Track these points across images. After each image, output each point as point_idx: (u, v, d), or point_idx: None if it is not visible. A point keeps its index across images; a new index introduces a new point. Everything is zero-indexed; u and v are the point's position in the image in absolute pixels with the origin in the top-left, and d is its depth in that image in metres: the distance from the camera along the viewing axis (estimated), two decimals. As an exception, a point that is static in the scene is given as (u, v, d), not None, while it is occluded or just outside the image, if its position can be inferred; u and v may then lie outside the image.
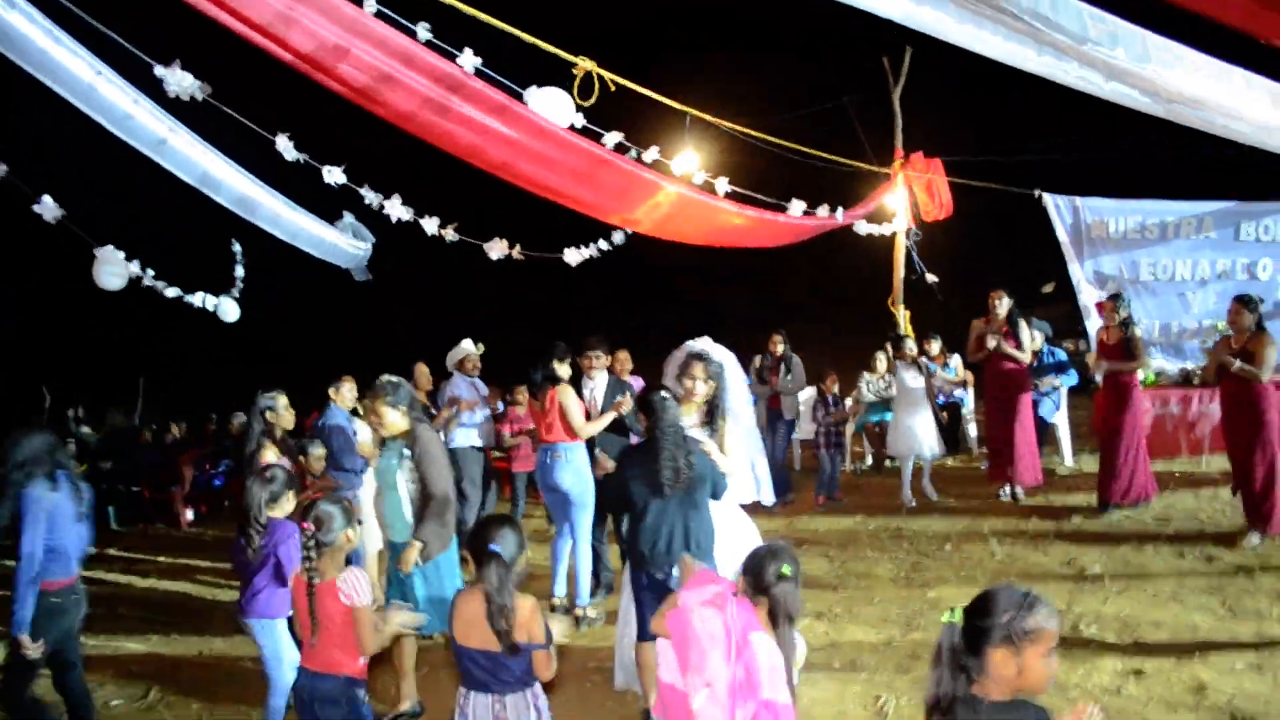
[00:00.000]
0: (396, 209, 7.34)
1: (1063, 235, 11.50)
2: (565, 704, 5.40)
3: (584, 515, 7.15)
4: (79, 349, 23.62)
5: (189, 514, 13.55)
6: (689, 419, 5.35)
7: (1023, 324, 9.35)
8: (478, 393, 9.34)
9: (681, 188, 7.64)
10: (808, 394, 11.61)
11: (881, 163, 12.93)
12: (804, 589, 7.03)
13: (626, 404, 7.00)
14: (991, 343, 9.18)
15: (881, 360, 12.20)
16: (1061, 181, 11.61)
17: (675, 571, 4.63)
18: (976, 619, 2.47)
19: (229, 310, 8.64)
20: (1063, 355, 11.05)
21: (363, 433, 7.58)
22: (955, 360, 12.76)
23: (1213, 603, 6.43)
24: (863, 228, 11.59)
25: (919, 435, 9.96)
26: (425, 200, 7.60)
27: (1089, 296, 11.23)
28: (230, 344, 21.63)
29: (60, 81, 5.05)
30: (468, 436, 9.26)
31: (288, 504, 4.80)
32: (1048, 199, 11.51)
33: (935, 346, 12.87)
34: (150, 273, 7.98)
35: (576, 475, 7.12)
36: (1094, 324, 10.94)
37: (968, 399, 12.69)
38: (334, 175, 6.50)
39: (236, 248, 10.35)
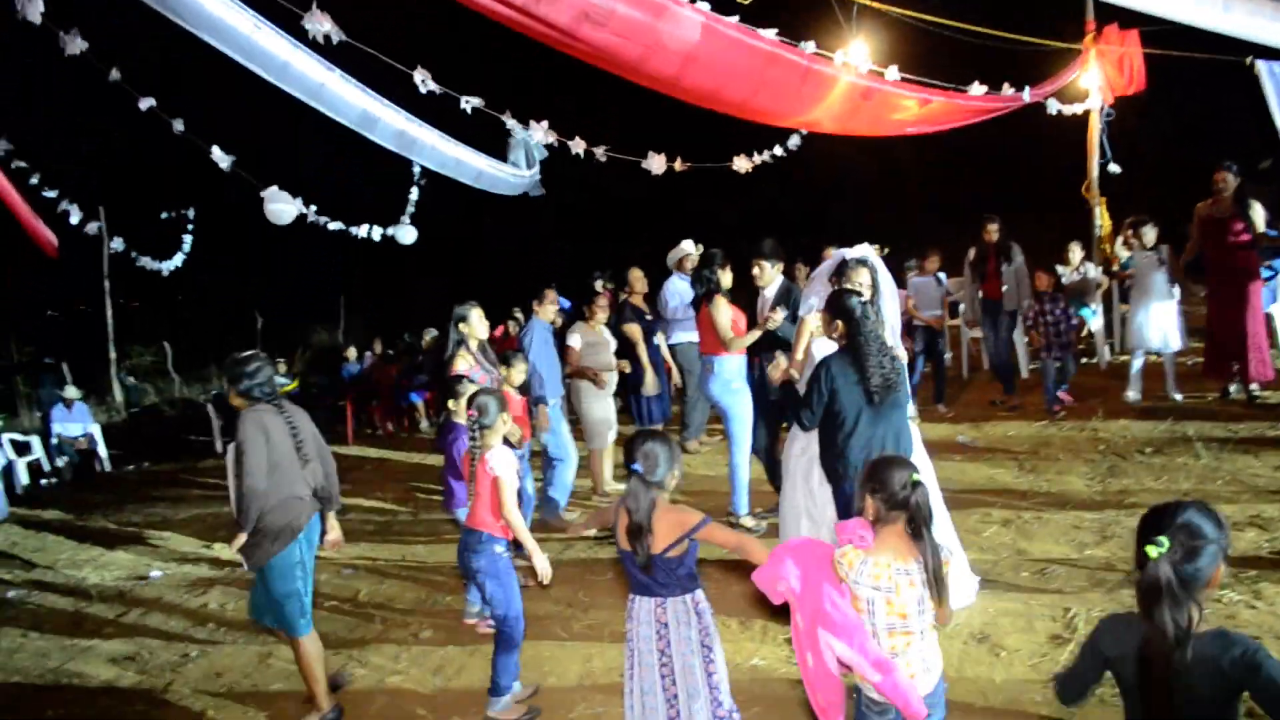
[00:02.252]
0: (540, 133, 7.34)
1: (1275, 107, 10.37)
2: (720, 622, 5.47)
3: (737, 427, 7.05)
4: (283, 277, 25.17)
5: (389, 426, 14.36)
6: None
7: (1255, 204, 8.44)
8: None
9: (855, 77, 7.31)
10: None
11: (1071, 38, 11.93)
12: (993, 496, 6.94)
13: (775, 318, 6.58)
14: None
15: (1076, 252, 11.48)
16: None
17: None
18: (1195, 541, 2.36)
19: (406, 235, 8.98)
20: None
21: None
22: (1165, 249, 11.90)
23: None
24: (1052, 106, 10.78)
25: (1157, 327, 9.17)
26: (572, 124, 7.60)
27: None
28: (418, 267, 22.52)
29: (223, 38, 5.24)
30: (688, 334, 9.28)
31: (504, 426, 4.72)
32: (1261, 65, 10.35)
33: (1150, 235, 12.03)
34: (313, 208, 8.37)
35: (724, 388, 7.02)
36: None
37: (1175, 293, 11.80)
38: (471, 103, 6.53)
39: (416, 169, 10.69)
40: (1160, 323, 9.17)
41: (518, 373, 6.75)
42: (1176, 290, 9.49)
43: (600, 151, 7.91)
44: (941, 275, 10.78)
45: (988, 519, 6.57)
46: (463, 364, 6.34)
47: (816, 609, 3.09)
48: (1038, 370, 10.26)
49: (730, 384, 7.01)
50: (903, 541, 3.05)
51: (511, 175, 8.66)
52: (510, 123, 7.39)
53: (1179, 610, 2.33)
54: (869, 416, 4.57)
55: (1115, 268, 11.16)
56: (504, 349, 7.50)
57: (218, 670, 5.64)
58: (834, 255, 5.87)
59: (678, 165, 8.45)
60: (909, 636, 3.03)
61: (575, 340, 8.14)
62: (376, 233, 9.53)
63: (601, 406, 8.19)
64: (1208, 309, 9.19)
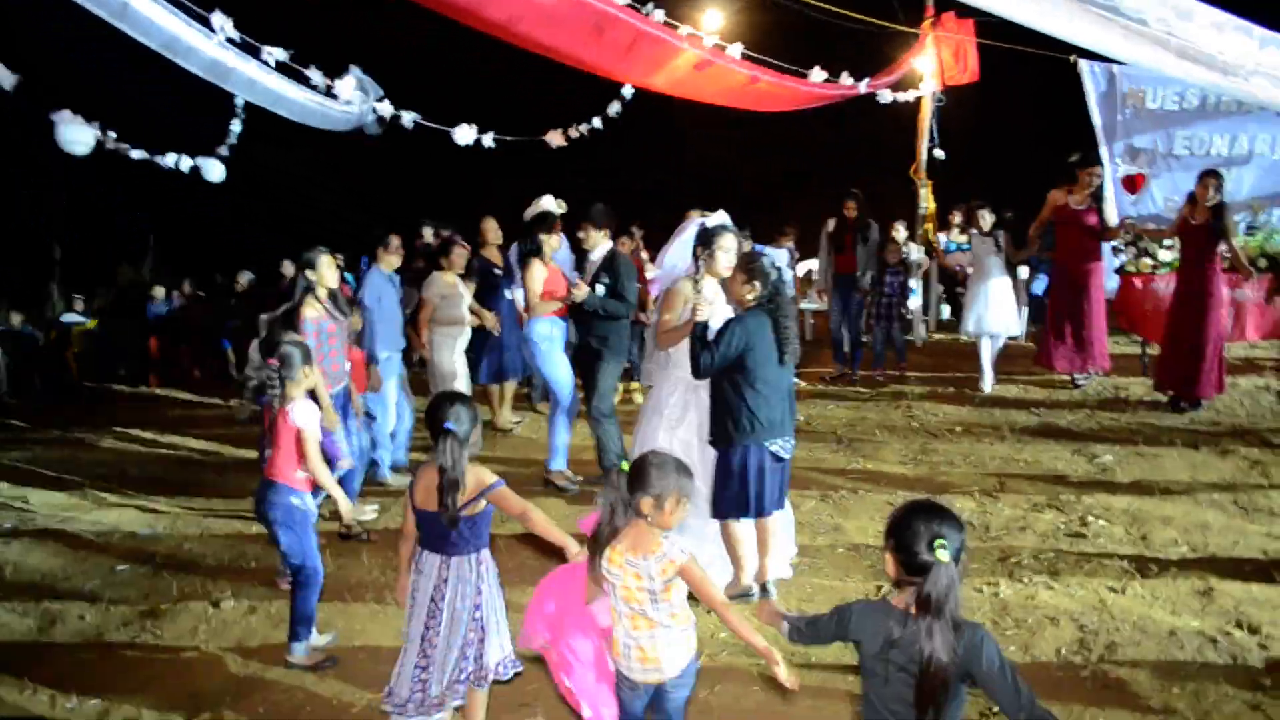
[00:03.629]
0: (347, 90, 6.83)
1: (1094, 106, 10.96)
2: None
3: (555, 388, 7.31)
4: (85, 206, 23.33)
5: (196, 371, 13.55)
6: (716, 292, 5.27)
7: (1108, 196, 8.80)
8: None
9: (700, 51, 7.22)
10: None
11: (911, 22, 12.26)
12: (810, 472, 7.08)
13: (579, 291, 6.76)
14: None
15: (900, 231, 11.87)
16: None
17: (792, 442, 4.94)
18: (960, 538, 2.56)
19: (213, 170, 8.32)
20: None
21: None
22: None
23: (1225, 500, 6.33)
24: (885, 95, 11.05)
25: (996, 312, 9.46)
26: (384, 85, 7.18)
27: (1122, 170, 10.79)
28: (235, 205, 21.28)
29: None
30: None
31: (306, 379, 4.74)
32: (1083, 65, 10.92)
33: (987, 219, 12.54)
34: (113, 135, 7.68)
35: (534, 350, 7.30)
36: (1112, 204, 10.56)
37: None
38: (274, 55, 6.03)
39: (238, 101, 9.95)
40: (999, 307, 9.47)
41: (354, 322, 6.66)
42: (1016, 273, 9.91)
43: (408, 118, 7.43)
44: (791, 247, 11.06)
45: (805, 495, 6.71)
46: (311, 311, 6.11)
47: (562, 653, 3.39)
48: (868, 344, 10.57)
49: (539, 346, 7.21)
50: (643, 535, 3.19)
51: (340, 110, 8.10)
52: (316, 77, 6.85)
53: (956, 609, 2.49)
54: (775, 375, 4.83)
55: (937, 249, 11.62)
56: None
57: (-13, 642, 5.13)
58: (693, 220, 5.85)
59: (487, 140, 8.07)
60: (650, 624, 3.18)
61: (431, 291, 8.03)
62: (186, 164, 8.79)
63: (450, 359, 8.10)
64: (1053, 297, 9.35)
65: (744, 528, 5.02)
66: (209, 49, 5.60)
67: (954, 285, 13.08)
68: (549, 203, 8.08)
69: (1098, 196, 8.79)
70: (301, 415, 4.56)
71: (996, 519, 6.19)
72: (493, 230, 8.97)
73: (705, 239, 5.25)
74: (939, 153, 12.31)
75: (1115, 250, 9.79)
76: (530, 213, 8.02)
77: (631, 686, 3.26)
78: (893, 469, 7.29)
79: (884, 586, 5.23)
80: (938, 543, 2.51)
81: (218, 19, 5.47)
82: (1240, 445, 7.37)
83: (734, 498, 4.90)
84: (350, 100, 8.10)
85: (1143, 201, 10.79)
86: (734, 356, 4.75)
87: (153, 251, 24.84)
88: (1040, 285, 10.93)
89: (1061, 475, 6.97)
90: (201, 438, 9.62)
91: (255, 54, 5.87)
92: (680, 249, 5.76)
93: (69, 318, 16.00)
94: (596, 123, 8.48)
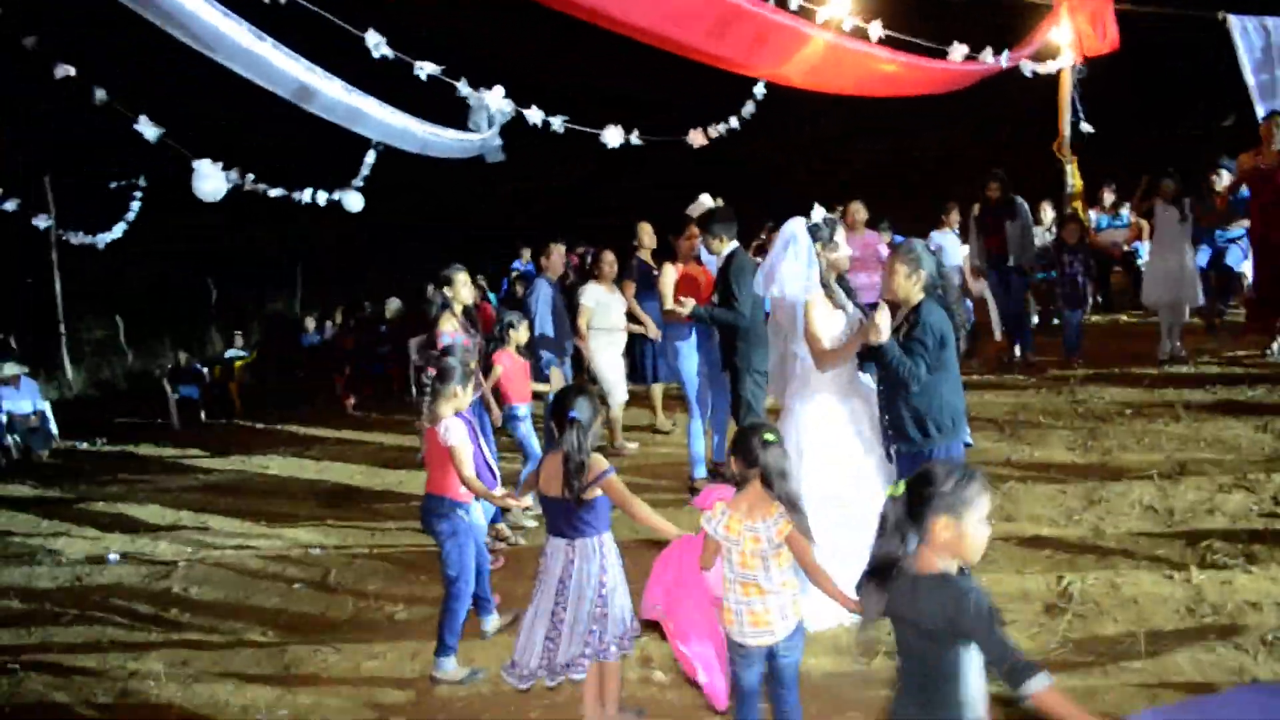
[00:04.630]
0: (497, 101, 6.99)
1: (1246, 65, 10.29)
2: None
3: (688, 391, 7.44)
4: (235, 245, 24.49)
5: (351, 400, 14.03)
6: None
7: None
8: None
9: (829, 36, 7.10)
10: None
11: (1044, -7, 11.76)
12: (975, 463, 6.82)
13: (683, 307, 6.46)
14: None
15: (1048, 211, 11.40)
16: (1251, 2, 10.34)
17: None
18: (921, 488, 2.54)
19: (353, 201, 8.61)
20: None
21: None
22: (1125, 210, 11.87)
23: None
24: (1026, 68, 10.62)
25: (1181, 281, 9.00)
26: (530, 93, 7.27)
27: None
28: (373, 234, 22.01)
29: (148, 5, 4.87)
30: None
31: (457, 399, 4.80)
32: (1233, 21, 10.29)
33: (1109, 197, 11.95)
34: (250, 177, 8.00)
35: (674, 354, 7.49)
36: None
37: (1143, 250, 11.78)
38: (426, 69, 6.20)
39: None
40: (1183, 278, 8.99)
41: (522, 333, 6.79)
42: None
43: (558, 122, 7.56)
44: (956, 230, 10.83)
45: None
46: (448, 326, 6.22)
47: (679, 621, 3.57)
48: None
49: (678, 350, 7.37)
50: (759, 500, 3.34)
51: (457, 140, 8.25)
52: (465, 89, 7.05)
53: (894, 542, 2.56)
54: (957, 365, 4.66)
55: (1089, 229, 11.09)
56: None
57: (183, 658, 5.39)
58: (794, 223, 5.14)
59: (634, 138, 8.12)
60: (760, 590, 3.34)
61: (588, 299, 8.25)
62: (322, 198, 9.12)
63: (613, 364, 8.36)
64: (1254, 261, 8.93)
65: None
66: (337, 93, 5.77)
67: (1110, 265, 12.46)
68: (707, 201, 8.04)
69: None
70: (452, 435, 4.64)
71: (1180, 502, 5.81)
72: (648, 234, 8.95)
73: (817, 234, 4.95)
74: (1086, 126, 11.74)
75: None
76: (694, 211, 7.96)
77: (744, 654, 3.40)
78: (1062, 457, 6.94)
79: (1065, 578, 4.98)
80: (765, 435, 3.28)
81: (372, 37, 5.66)
82: None
83: None
84: (478, 127, 8.26)
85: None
86: (941, 349, 4.51)
87: (301, 284, 25.92)
88: (1231, 256, 10.17)
89: (1246, 453, 6.51)
90: (358, 462, 9.93)
91: (408, 69, 6.05)
92: (792, 265, 4.99)
93: (231, 353, 16.85)
94: (734, 122, 8.43)
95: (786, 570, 3.37)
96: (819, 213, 5.01)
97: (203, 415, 14.74)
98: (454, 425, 4.68)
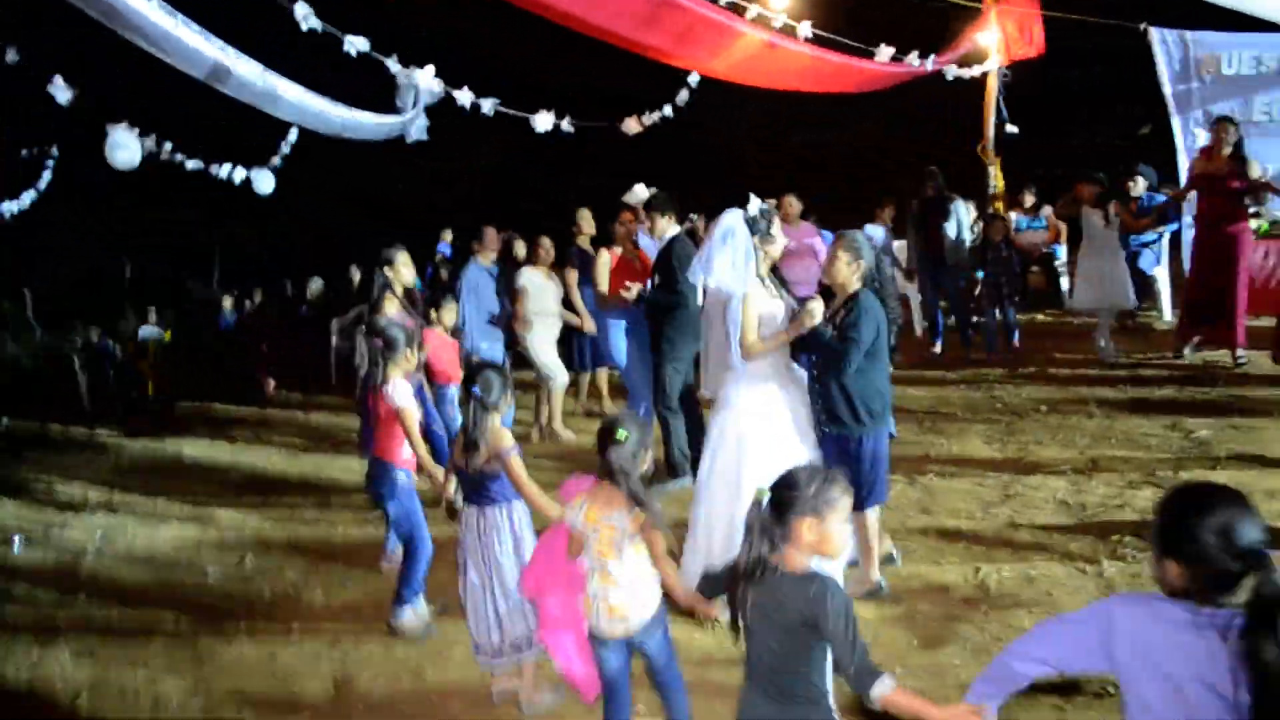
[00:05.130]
0: (427, 80, 6.84)
1: (1165, 76, 10.61)
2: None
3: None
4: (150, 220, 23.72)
5: (271, 382, 13.71)
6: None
7: (1253, 160, 8.45)
8: None
9: (759, 33, 7.13)
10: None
11: (973, -2, 11.96)
12: (894, 458, 6.93)
13: (629, 292, 6.76)
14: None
15: (970, 211, 11.60)
16: (1171, 15, 10.63)
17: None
18: (785, 492, 2.61)
19: (264, 182, 8.37)
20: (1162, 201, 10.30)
21: None
22: (1046, 211, 12.16)
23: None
24: (950, 72, 10.81)
25: (1113, 283, 9.19)
26: (461, 73, 7.15)
27: (1200, 140, 10.41)
28: (292, 213, 21.48)
29: None
30: None
31: (407, 363, 4.93)
32: (1154, 33, 10.59)
33: (1029, 199, 12.24)
34: (168, 147, 7.74)
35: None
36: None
37: (1060, 252, 12.11)
38: (356, 44, 6.04)
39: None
40: (1114, 280, 9.19)
41: (448, 313, 6.83)
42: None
43: (488, 104, 7.44)
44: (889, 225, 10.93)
45: (892, 479, 6.56)
46: (390, 308, 6.14)
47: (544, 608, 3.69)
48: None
49: (615, 335, 7.61)
50: (616, 491, 3.38)
51: (376, 123, 8.08)
52: (395, 67, 6.90)
53: (761, 544, 2.59)
54: (885, 354, 4.80)
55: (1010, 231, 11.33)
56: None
57: (92, 647, 5.20)
58: (732, 215, 5.05)
59: (565, 124, 8.06)
60: (617, 581, 3.38)
61: (526, 282, 8.21)
62: (239, 174, 8.86)
63: (549, 349, 8.37)
64: (1191, 266, 9.14)
65: (875, 515, 4.88)
66: (254, 73, 5.57)
67: (1028, 265, 12.77)
68: (642, 191, 8.05)
69: (1239, 156, 8.31)
70: (399, 395, 4.73)
71: (1092, 497, 6.00)
72: (587, 220, 8.91)
73: (755, 226, 4.94)
74: (1012, 128, 11.97)
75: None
76: (628, 199, 7.97)
77: (603, 643, 3.44)
78: (979, 451, 7.11)
79: (981, 569, 5.10)
80: (617, 433, 3.35)
81: (300, 9, 5.49)
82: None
83: (873, 485, 4.78)
84: (404, 106, 8.08)
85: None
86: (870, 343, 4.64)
87: (219, 264, 25.27)
88: (1145, 261, 10.50)
89: (1156, 451, 6.75)
90: (277, 445, 9.70)
91: (338, 44, 5.88)
92: (729, 256, 4.92)
93: (146, 331, 16.34)
94: (668, 110, 8.43)
95: (644, 561, 3.42)
96: (756, 204, 4.99)
97: (113, 395, 14.23)
98: (402, 386, 4.78)
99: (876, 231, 10.53)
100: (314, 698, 4.46)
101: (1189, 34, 10.44)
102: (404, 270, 6.33)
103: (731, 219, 4.94)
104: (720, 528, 4.71)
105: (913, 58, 9.06)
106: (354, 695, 4.46)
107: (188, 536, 6.92)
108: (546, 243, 8.41)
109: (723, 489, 4.78)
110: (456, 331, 7.01)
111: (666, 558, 3.45)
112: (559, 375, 8.48)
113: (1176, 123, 10.64)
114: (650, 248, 7.47)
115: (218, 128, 10.85)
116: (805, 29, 7.48)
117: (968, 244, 10.26)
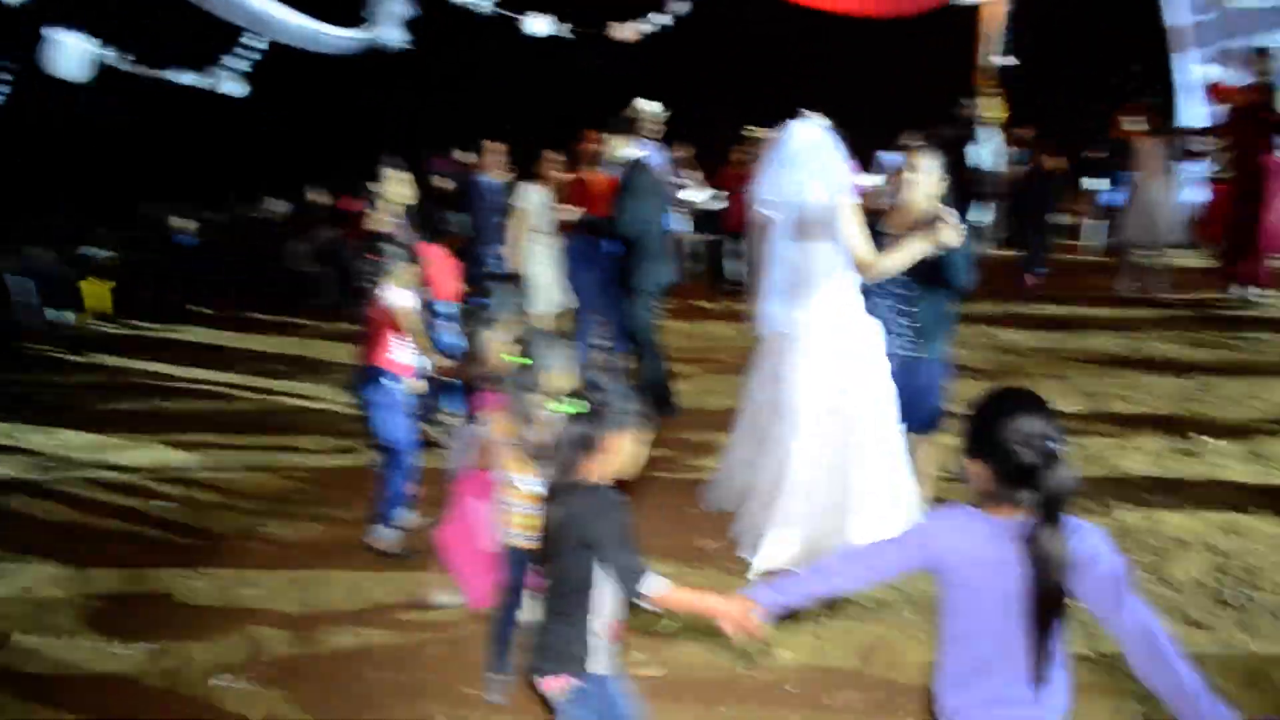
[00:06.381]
0: None
1: (1167, 8, 10.20)
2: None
3: None
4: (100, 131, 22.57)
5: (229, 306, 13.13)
6: None
7: (1182, 105, 8.16)
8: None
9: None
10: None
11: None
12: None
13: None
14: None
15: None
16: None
17: None
18: (592, 405, 2.54)
19: (234, 87, 7.77)
20: None
21: None
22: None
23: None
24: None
25: (1165, 217, 8.91)
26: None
27: (1209, 74, 10.02)
28: (255, 126, 20.51)
29: None
30: None
31: (404, 276, 4.76)
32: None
33: (1031, 133, 11.88)
34: (115, 54, 7.09)
35: None
36: (1194, 109, 9.90)
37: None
38: None
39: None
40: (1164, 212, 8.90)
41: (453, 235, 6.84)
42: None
43: (487, 3, 6.88)
44: None
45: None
46: (379, 226, 5.77)
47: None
48: None
49: (567, 263, 7.32)
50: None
51: (336, 35, 7.49)
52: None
53: (568, 459, 2.54)
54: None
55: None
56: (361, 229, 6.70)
57: (33, 596, 4.71)
58: (802, 126, 4.51)
59: (564, 30, 7.53)
60: (525, 494, 3.30)
61: (528, 199, 7.76)
62: (204, 82, 8.22)
63: (546, 268, 7.87)
64: (1229, 200, 8.71)
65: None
66: None
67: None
68: (644, 105, 7.53)
69: (1268, 89, 7.93)
70: (395, 296, 4.63)
71: (1096, 441, 5.70)
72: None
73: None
74: (1010, 59, 11.46)
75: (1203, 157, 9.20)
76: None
77: (508, 552, 3.42)
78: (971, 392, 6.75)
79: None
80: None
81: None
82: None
83: (940, 408, 4.64)
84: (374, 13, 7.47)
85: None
86: None
87: (173, 180, 24.16)
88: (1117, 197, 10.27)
89: (1156, 392, 6.51)
90: (236, 370, 9.17)
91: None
92: (806, 172, 4.38)
93: (89, 251, 15.50)
94: (668, 19, 7.92)
95: None
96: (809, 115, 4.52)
97: (46, 313, 13.37)
98: (399, 290, 4.67)
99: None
100: (279, 642, 4.07)
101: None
102: (394, 187, 5.93)
103: (808, 131, 4.44)
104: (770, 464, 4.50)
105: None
106: (321, 637, 4.08)
107: (135, 468, 6.42)
108: (551, 157, 7.95)
109: (777, 423, 4.50)
110: (464, 249, 6.58)
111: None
112: (549, 297, 8.01)
113: (1177, 58, 10.23)
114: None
115: (174, 32, 10.14)
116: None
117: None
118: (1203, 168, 9.36)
